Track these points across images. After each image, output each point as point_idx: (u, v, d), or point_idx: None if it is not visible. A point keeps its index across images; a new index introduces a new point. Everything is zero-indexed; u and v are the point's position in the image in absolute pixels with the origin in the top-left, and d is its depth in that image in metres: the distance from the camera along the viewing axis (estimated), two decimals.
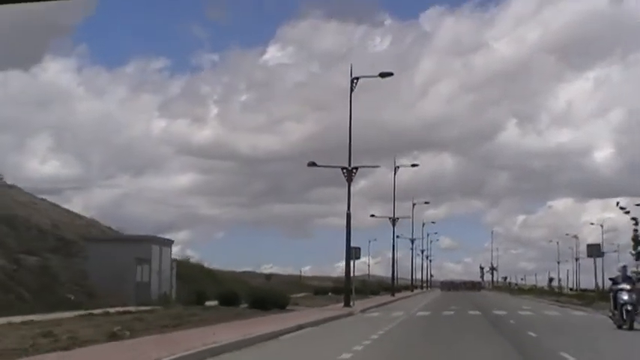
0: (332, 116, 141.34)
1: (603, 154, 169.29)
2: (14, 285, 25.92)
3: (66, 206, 47.30)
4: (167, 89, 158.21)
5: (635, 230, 38.59)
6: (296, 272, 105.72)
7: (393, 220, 62.89)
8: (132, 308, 25.90)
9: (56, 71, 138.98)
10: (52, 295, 26.97)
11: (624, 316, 22.52)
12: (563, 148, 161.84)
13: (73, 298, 27.35)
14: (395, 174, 61.27)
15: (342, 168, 37.11)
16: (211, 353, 13.22)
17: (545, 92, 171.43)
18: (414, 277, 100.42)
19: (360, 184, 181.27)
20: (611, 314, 23.95)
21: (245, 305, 30.73)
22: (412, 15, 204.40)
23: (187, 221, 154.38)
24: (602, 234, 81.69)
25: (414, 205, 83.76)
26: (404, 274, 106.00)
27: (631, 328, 21.89)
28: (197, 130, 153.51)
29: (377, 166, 46.75)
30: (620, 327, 22.39)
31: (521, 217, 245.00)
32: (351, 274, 37.36)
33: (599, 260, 43.85)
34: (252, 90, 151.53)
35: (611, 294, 24.10)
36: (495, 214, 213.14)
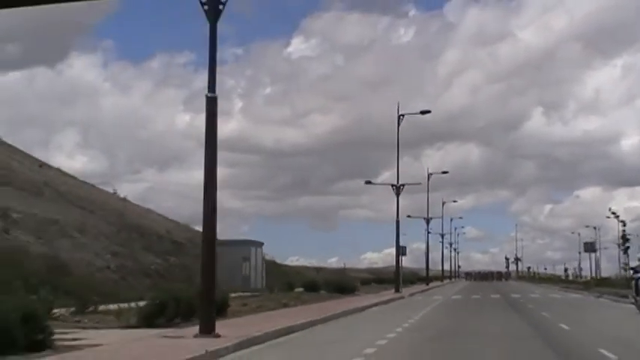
0: (356, 108, 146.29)
1: (631, 142, 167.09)
2: (169, 277, 36.84)
3: None
4: (192, 83, 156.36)
5: (624, 230, 49.09)
6: (321, 264, 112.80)
7: (427, 220, 73.24)
8: (249, 294, 36.58)
9: (82, 67, 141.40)
10: (193, 285, 37.78)
11: None
12: (589, 136, 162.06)
13: None
14: (428, 180, 71.17)
15: (392, 185, 47.59)
16: (346, 314, 23.85)
17: (572, 80, 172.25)
18: (427, 266, 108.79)
19: (384, 175, 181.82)
20: (633, 300, 24.88)
21: (323, 291, 41.40)
22: (437, 5, 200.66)
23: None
24: (618, 224, 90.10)
25: (443, 203, 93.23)
26: (432, 265, 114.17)
27: None
28: (221, 123, 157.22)
29: (419, 184, 56.91)
30: None
31: (547, 207, 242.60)
32: (400, 266, 48.00)
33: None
34: (276, 83, 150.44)
35: (633, 282, 25.19)
36: (522, 203, 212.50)
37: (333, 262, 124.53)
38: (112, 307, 19.36)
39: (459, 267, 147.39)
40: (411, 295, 44.80)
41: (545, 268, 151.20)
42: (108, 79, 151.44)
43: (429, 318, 23.11)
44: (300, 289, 41.96)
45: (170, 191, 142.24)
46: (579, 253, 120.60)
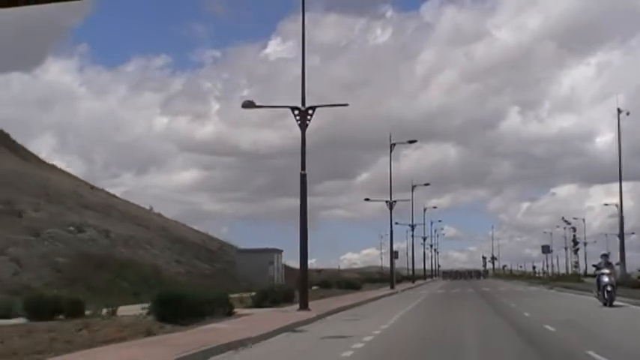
0: (334, 110, 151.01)
1: (605, 139, 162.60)
2: (218, 278, 47.25)
3: None
4: (169, 86, 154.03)
5: (574, 235, 60.30)
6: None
7: (412, 227, 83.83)
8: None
9: (58, 72, 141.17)
10: (237, 283, 48.16)
11: (605, 296, 25.98)
12: (565, 134, 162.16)
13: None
14: (412, 191, 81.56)
15: (386, 201, 58.20)
16: (369, 301, 34.42)
17: (547, 79, 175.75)
18: (413, 266, 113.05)
19: (362, 176, 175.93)
20: (596, 294, 27.14)
21: (334, 288, 51.91)
22: (413, 6, 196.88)
23: (191, 217, 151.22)
24: (584, 225, 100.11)
25: (425, 210, 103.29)
26: (411, 264, 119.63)
27: (611, 305, 25.51)
28: (199, 126, 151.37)
29: (408, 199, 67.30)
30: (604, 304, 25.70)
31: (525, 205, 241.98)
32: (393, 267, 58.69)
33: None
34: (253, 85, 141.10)
35: (596, 277, 27.35)
36: (499, 202, 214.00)
37: (312, 263, 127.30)
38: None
39: (439, 266, 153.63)
40: (404, 290, 55.58)
41: (521, 266, 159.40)
42: (84, 83, 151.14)
43: (425, 302, 33.90)
44: (316, 287, 52.46)
45: (149, 195, 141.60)
46: (551, 251, 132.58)
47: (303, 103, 24.70)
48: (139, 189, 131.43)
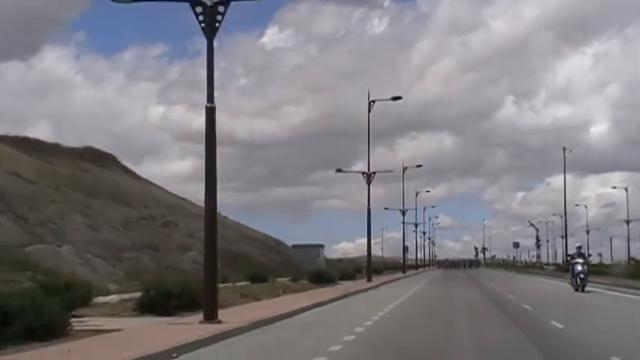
0: (331, 99, 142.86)
1: (600, 130, 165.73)
2: (288, 266, 67.71)
3: None
4: (165, 75, 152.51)
5: (537, 235, 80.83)
6: None
7: (416, 225, 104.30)
8: None
9: (54, 60, 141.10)
10: (296, 271, 68.59)
11: (578, 282, 28.56)
12: (560, 124, 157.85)
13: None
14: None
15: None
16: (396, 280, 55.10)
17: (543, 69, 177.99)
18: (416, 256, 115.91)
19: (358, 166, 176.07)
20: (570, 281, 29.78)
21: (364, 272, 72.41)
22: None
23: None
24: (562, 221, 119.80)
25: (424, 209, 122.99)
26: (409, 253, 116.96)
27: (583, 290, 28.29)
28: (195, 115, 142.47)
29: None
30: (576, 290, 28.19)
31: (520, 194, 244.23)
32: (405, 257, 79.42)
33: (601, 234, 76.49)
34: (250, 74, 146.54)
35: (570, 266, 29.95)
36: (494, 191, 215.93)
37: None
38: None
39: (435, 256, 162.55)
40: (413, 275, 76.46)
41: (509, 256, 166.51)
42: (80, 71, 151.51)
43: (432, 281, 54.78)
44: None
45: None
46: (538, 242, 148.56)
47: (369, 169, 45.17)
48: None
